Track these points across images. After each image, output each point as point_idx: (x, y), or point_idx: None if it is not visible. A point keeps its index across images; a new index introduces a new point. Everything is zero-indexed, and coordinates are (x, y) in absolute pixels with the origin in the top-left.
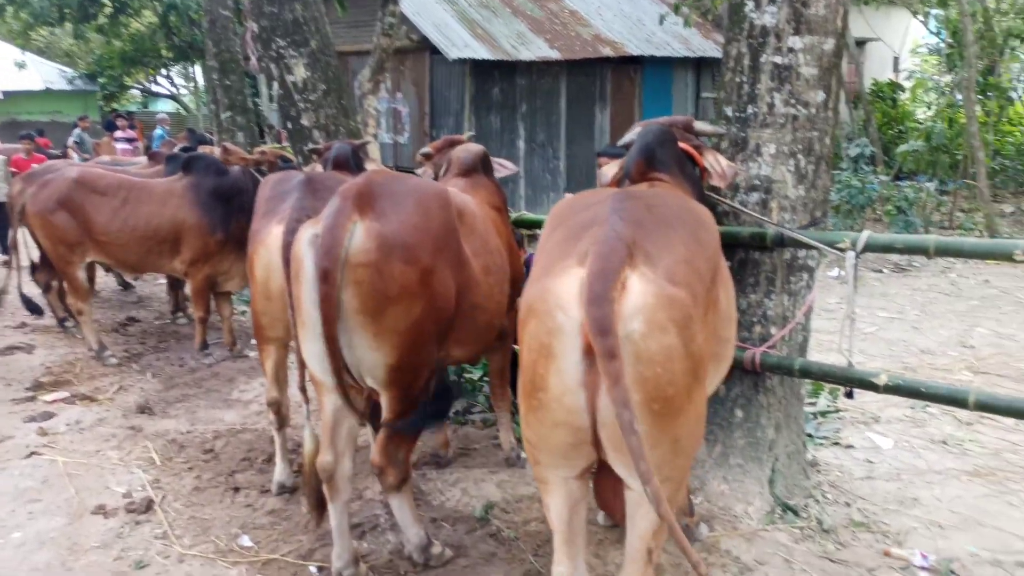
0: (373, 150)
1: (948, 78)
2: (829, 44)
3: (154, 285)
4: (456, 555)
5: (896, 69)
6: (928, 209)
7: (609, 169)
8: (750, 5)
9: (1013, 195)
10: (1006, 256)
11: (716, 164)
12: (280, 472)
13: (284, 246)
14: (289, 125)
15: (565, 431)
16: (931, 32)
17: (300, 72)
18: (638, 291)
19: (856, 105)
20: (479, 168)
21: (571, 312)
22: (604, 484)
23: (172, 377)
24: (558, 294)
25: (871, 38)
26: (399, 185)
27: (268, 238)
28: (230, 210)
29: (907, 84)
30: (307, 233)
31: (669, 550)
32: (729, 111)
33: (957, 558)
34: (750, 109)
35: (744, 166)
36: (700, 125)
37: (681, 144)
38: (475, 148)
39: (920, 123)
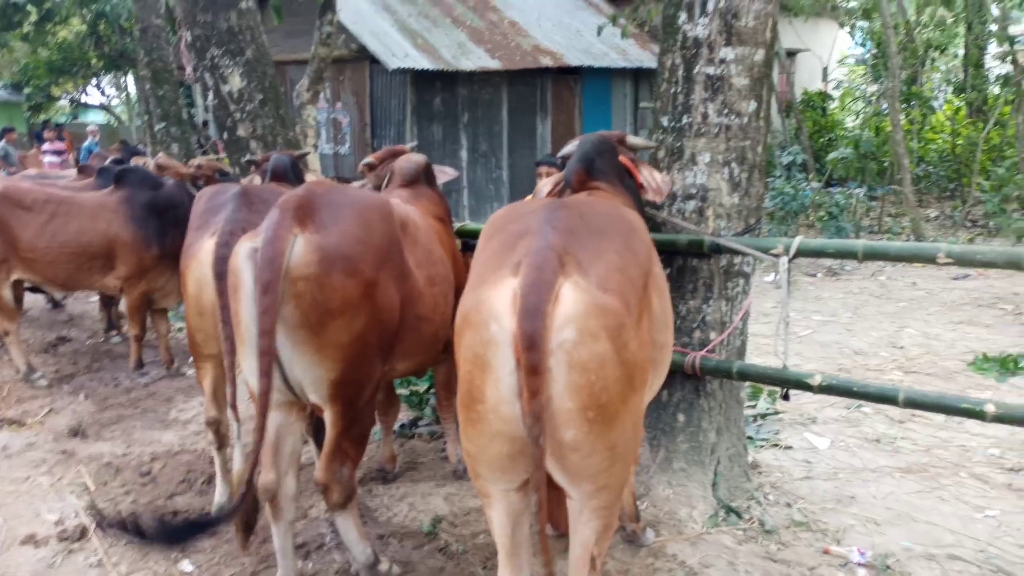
0: (313, 161)
1: (874, 88)
2: (759, 55)
3: (86, 303)
4: (404, 571)
5: (825, 79)
6: (858, 215)
7: (545, 185)
8: (683, 17)
9: (937, 200)
10: (929, 259)
11: (651, 179)
12: (221, 494)
13: (217, 259)
14: (225, 135)
15: (502, 442)
16: (857, 43)
17: (236, 82)
18: (570, 300)
19: (788, 114)
20: (422, 178)
21: (504, 323)
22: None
23: (106, 398)
24: (492, 304)
25: (801, 49)
26: (340, 196)
27: (200, 252)
28: (165, 224)
29: (836, 93)
30: (245, 247)
31: (616, 556)
32: (665, 121)
33: (892, 553)
34: (685, 119)
35: (680, 175)
36: (632, 140)
37: (620, 157)
38: (417, 158)
39: (849, 131)
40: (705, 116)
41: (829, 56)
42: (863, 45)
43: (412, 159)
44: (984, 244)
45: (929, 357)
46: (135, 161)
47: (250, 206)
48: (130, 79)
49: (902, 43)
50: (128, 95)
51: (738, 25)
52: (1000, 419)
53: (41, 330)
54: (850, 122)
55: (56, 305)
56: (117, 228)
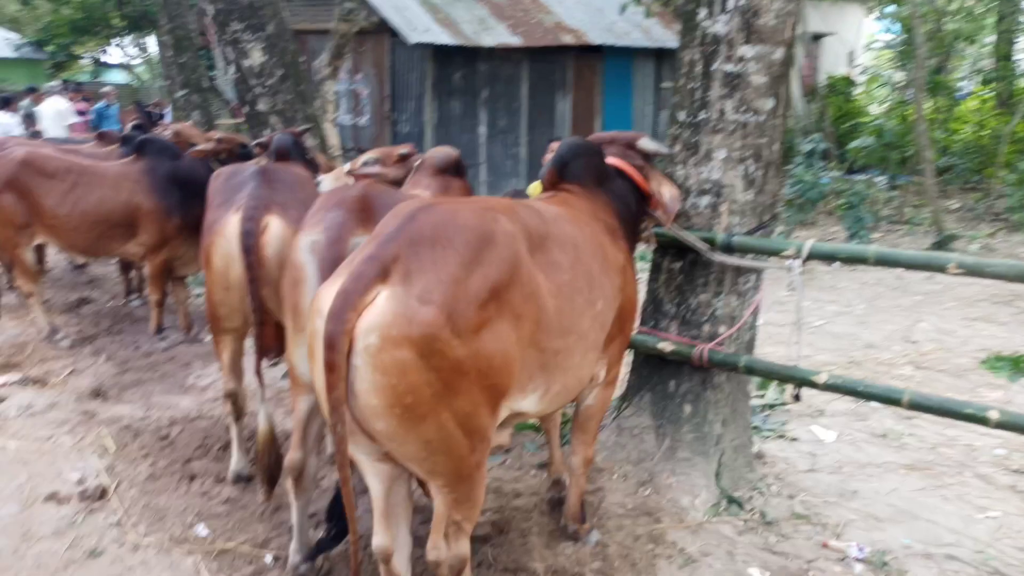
0: (331, 134)
1: (900, 75)
2: (779, 53)
3: (107, 265)
4: None
5: (851, 64)
6: (878, 204)
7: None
8: (703, 13)
9: (960, 191)
10: (940, 269)
11: (660, 193)
12: (236, 462)
13: (243, 234)
14: (246, 109)
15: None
16: (884, 29)
17: (256, 56)
18: (379, 309)
19: (811, 99)
20: (451, 170)
21: (324, 320)
22: None
23: (126, 361)
24: (321, 301)
25: (826, 33)
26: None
27: (226, 228)
28: (186, 195)
29: (861, 79)
30: (306, 240)
31: (618, 540)
32: (682, 116)
33: (891, 550)
34: (702, 115)
35: (696, 170)
36: (645, 143)
37: (614, 160)
38: (449, 150)
39: (873, 118)
40: (722, 113)
41: (855, 41)
42: (890, 31)
43: (444, 150)
44: (1005, 239)
45: (942, 353)
46: (158, 130)
47: (271, 184)
48: (152, 40)
49: (930, 31)
50: (150, 56)
51: (758, 23)
52: (1003, 425)
53: (64, 291)
54: (875, 109)
55: (79, 266)
56: (140, 198)
